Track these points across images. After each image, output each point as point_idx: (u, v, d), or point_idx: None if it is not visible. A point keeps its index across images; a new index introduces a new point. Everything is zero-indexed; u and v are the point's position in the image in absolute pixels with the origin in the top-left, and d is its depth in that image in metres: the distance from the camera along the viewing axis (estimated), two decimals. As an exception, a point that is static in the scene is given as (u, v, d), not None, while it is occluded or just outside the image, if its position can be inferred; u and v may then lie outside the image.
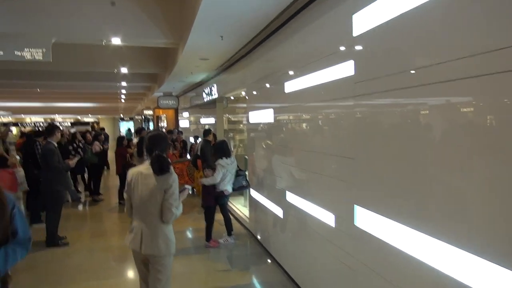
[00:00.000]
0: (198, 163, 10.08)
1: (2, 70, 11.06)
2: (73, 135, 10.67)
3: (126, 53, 9.79)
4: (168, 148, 3.53)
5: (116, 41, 6.79)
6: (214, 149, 6.01)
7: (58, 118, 43.82)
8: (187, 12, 5.62)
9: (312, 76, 3.90)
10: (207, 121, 12.60)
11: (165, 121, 27.02)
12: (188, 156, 11.80)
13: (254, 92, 6.31)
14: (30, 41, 6.43)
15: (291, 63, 4.60)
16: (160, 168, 3.07)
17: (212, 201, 6.04)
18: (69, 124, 43.17)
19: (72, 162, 6.46)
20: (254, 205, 6.46)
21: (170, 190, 3.08)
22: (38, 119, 43.91)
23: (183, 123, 16.27)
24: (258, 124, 6.15)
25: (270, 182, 5.52)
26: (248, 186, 6.20)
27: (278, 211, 5.13)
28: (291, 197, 4.61)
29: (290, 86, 4.55)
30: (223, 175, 5.86)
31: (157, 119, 28.19)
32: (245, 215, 7.36)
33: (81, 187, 11.14)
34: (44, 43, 6.47)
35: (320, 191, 3.89)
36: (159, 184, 3.07)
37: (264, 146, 5.87)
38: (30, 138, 8.04)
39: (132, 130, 42.46)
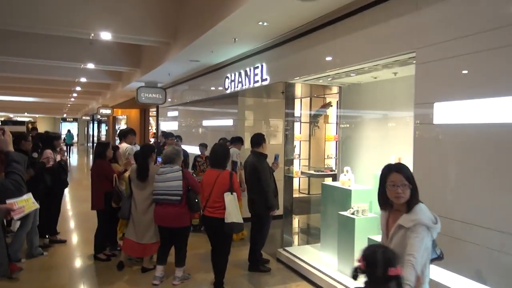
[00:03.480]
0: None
1: None
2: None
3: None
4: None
5: None
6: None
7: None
8: None
9: None
10: (218, 123, 8.86)
11: (124, 123, 22.49)
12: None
13: (451, 60, 2.84)
14: None
15: None
16: None
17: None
18: (-1, 123, 36.61)
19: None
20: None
21: None
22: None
23: (167, 125, 12.26)
24: (474, 128, 2.69)
25: None
26: (441, 258, 2.56)
27: None
28: None
29: None
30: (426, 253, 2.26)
31: (113, 120, 23.51)
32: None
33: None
34: None
35: None
36: None
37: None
38: None
39: (74, 133, 36.69)
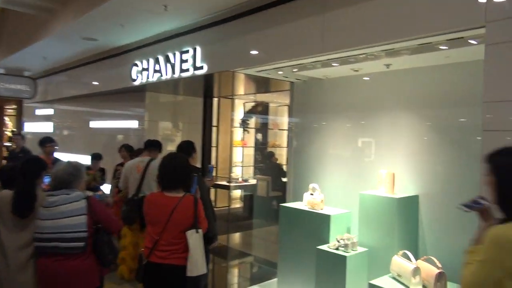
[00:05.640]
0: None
1: None
2: None
3: None
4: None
5: None
6: None
7: None
8: None
9: None
10: (115, 125, 6.95)
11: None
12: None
13: None
14: None
15: None
16: None
17: None
18: None
19: None
20: None
21: None
22: None
23: (36, 128, 9.60)
24: None
25: None
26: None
27: None
28: None
29: None
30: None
31: None
32: None
33: None
34: None
35: None
36: None
37: None
38: None
39: None
